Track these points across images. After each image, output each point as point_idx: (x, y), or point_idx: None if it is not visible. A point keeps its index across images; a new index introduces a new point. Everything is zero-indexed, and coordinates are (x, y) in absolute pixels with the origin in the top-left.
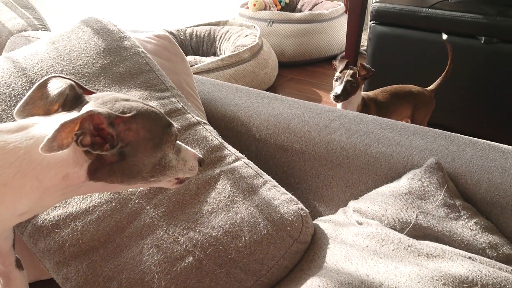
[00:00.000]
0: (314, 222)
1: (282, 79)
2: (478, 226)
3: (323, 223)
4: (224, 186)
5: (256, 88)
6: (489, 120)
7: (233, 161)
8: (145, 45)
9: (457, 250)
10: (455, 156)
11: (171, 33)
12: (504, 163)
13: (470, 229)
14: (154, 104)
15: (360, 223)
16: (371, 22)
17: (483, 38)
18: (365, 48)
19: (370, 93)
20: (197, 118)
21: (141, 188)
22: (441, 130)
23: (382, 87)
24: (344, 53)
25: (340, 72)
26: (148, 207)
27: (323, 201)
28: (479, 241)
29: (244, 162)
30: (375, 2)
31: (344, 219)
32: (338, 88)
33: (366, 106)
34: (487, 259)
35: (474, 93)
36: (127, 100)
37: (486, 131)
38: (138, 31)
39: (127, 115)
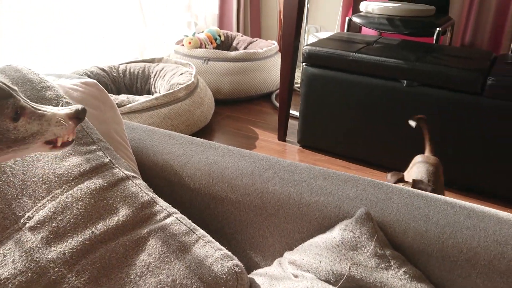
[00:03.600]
0: (250, 276)
1: (219, 117)
2: (407, 275)
3: (259, 277)
4: (155, 246)
5: (193, 127)
6: (410, 158)
7: (165, 218)
8: (71, 93)
9: None
10: (383, 205)
11: (103, 69)
12: (428, 211)
13: (400, 278)
14: (78, 160)
15: (296, 276)
16: (303, 63)
17: (405, 81)
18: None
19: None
20: (126, 172)
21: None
22: (370, 179)
23: (317, 125)
24: (278, 90)
25: None
26: (70, 275)
27: (259, 252)
28: None
29: (176, 217)
30: (306, 45)
31: (280, 272)
32: None
33: None
34: None
35: (398, 132)
36: None
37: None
38: (64, 76)
39: None
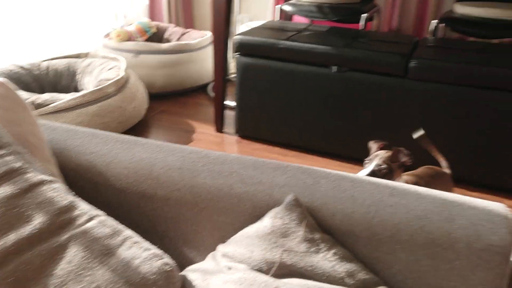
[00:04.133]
0: (182, 273)
1: (153, 112)
2: (337, 256)
3: (192, 273)
4: (75, 252)
5: (126, 124)
6: (343, 141)
7: (86, 222)
8: None
9: (320, 284)
10: (312, 190)
11: (22, 67)
12: (354, 193)
13: (329, 260)
14: None
15: (229, 268)
16: (235, 53)
17: (334, 67)
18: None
19: (412, 178)
20: (41, 176)
21: None
22: (299, 165)
23: (254, 114)
24: (214, 82)
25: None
26: None
27: (193, 247)
28: (338, 271)
29: (100, 220)
30: (237, 35)
31: (214, 266)
32: (363, 171)
33: None
34: None
35: (331, 117)
36: None
37: (343, 152)
38: None
39: None
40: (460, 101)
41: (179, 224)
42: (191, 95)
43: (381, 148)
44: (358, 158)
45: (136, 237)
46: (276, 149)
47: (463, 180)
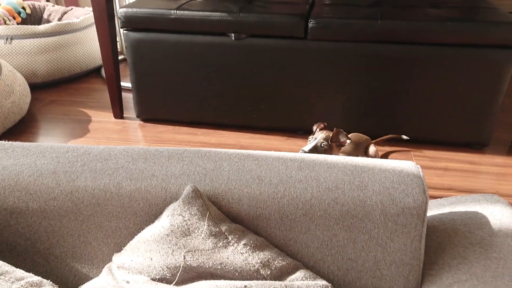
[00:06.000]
0: None
1: (39, 104)
2: (248, 247)
3: None
4: None
5: (5, 122)
6: (251, 111)
7: None
8: None
9: (231, 283)
10: (213, 176)
11: None
12: (260, 172)
13: (241, 253)
14: None
15: (128, 282)
16: (123, 29)
17: (232, 34)
18: None
19: (345, 151)
20: None
21: None
22: (197, 148)
23: (154, 94)
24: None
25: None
26: None
27: (85, 261)
28: (251, 263)
29: None
30: (121, 8)
31: (111, 281)
32: (307, 146)
33: None
34: (262, 282)
35: (237, 86)
36: None
37: (253, 122)
38: None
39: None
40: (361, 57)
41: (63, 237)
42: (83, 80)
43: (321, 128)
44: (269, 127)
45: (4, 267)
46: (184, 129)
47: (369, 135)
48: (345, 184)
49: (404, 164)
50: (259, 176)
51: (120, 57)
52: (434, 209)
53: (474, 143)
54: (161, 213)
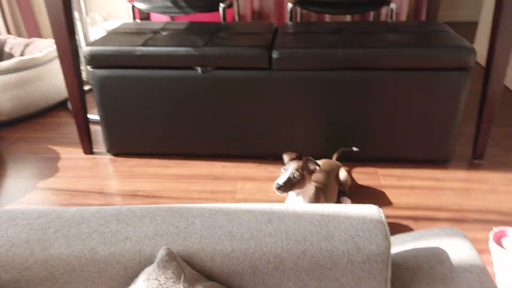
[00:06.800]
0: None
1: (5, 143)
2: None
3: None
4: None
5: None
6: (222, 140)
7: None
8: None
9: None
10: (186, 234)
11: None
12: (231, 228)
13: None
14: None
15: None
16: (88, 66)
17: (199, 68)
18: None
19: (320, 174)
20: None
21: None
22: (169, 206)
23: (123, 128)
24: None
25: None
26: None
27: None
28: None
29: None
30: (86, 46)
31: None
32: (281, 178)
33: (318, 198)
34: None
35: (206, 118)
36: None
37: (224, 151)
38: None
39: None
40: (324, 84)
41: None
42: (50, 115)
43: (292, 159)
44: (240, 154)
45: None
46: (156, 161)
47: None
48: (312, 235)
49: (368, 209)
50: (230, 231)
51: (86, 88)
52: (398, 246)
53: (437, 159)
54: (136, 275)
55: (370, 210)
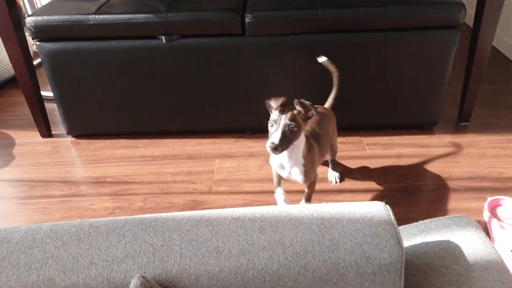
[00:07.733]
0: None
1: None
2: None
3: None
4: None
5: None
6: (194, 115)
7: None
8: None
9: None
10: (163, 254)
11: None
12: (217, 242)
13: None
14: None
15: None
16: (35, 40)
17: (163, 37)
18: None
19: (308, 129)
20: None
21: None
22: (139, 217)
23: (83, 107)
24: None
25: (277, 114)
26: None
27: None
28: None
29: None
30: (28, 16)
31: None
32: (274, 136)
33: (311, 148)
34: None
35: (172, 92)
36: None
37: (198, 126)
38: None
39: None
40: (304, 48)
41: None
42: (0, 94)
43: (282, 105)
44: (215, 129)
45: None
46: (123, 141)
47: None
48: (314, 245)
49: (373, 207)
50: (216, 247)
51: (36, 62)
52: (405, 240)
53: (424, 124)
54: None
55: (376, 209)
